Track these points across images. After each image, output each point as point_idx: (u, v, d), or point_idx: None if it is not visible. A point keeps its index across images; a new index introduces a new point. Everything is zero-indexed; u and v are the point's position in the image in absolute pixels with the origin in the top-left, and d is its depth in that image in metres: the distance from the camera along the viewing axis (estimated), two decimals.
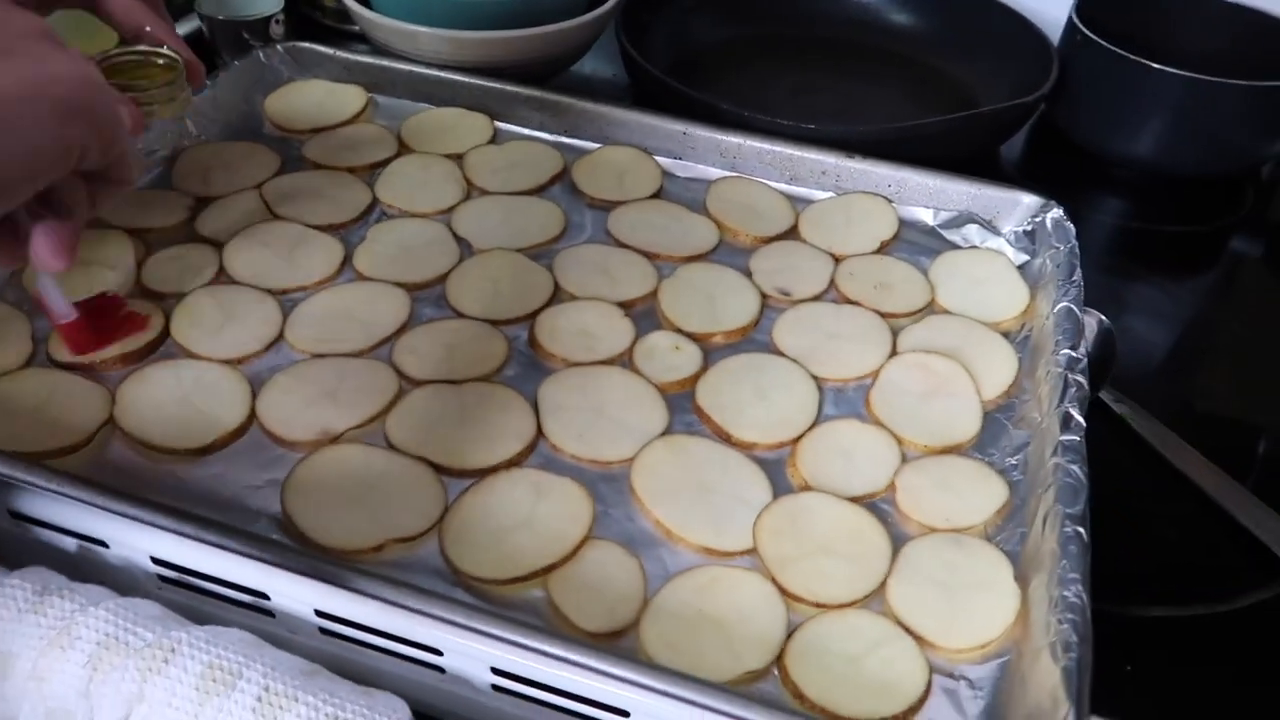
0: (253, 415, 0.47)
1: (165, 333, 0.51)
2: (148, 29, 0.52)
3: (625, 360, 0.52)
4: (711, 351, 0.53)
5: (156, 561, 0.42)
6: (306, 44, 0.71)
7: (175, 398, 0.47)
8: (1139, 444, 0.55)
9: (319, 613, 0.40)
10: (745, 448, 0.48)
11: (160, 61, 0.53)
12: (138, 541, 0.41)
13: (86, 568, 0.43)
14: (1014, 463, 0.48)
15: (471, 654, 0.38)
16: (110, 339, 0.47)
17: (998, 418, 0.51)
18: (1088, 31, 0.76)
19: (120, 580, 0.42)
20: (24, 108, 0.30)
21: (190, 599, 0.42)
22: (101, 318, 0.45)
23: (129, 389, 0.47)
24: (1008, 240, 0.62)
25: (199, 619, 0.38)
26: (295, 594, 0.40)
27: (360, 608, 0.39)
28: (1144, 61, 0.73)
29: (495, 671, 0.38)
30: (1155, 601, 0.48)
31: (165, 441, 0.45)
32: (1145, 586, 0.49)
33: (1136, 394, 0.58)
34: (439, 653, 0.39)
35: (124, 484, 0.42)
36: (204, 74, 0.56)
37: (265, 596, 0.40)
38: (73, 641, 0.37)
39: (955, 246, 0.62)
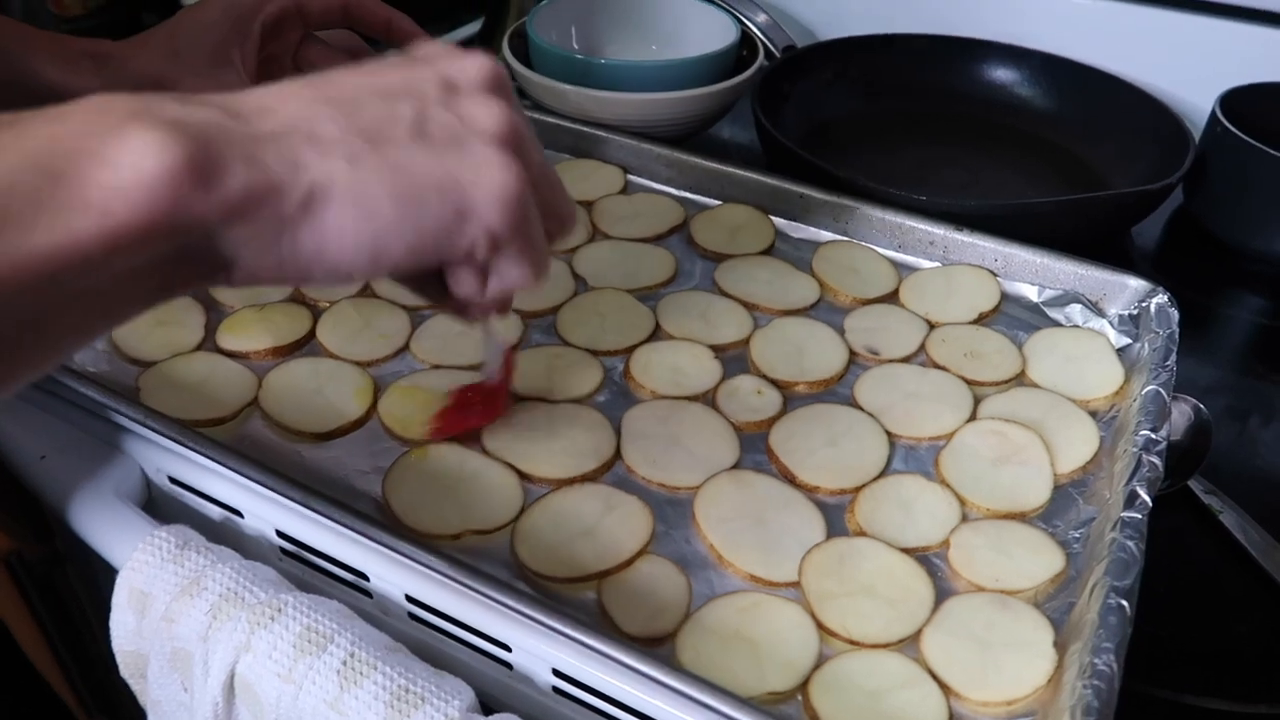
0: (373, 410, 0.53)
1: (312, 333, 0.58)
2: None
3: (709, 398, 0.55)
4: (792, 399, 0.56)
5: (280, 535, 0.48)
6: None
7: (310, 388, 0.54)
8: (1224, 537, 0.54)
9: (409, 598, 0.45)
10: (808, 490, 0.50)
11: None
12: (267, 514, 0.47)
13: (225, 535, 0.49)
14: (1077, 535, 0.48)
15: (537, 653, 0.42)
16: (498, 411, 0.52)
17: (1070, 491, 0.51)
18: (1229, 125, 0.75)
19: (249, 548, 0.48)
20: (433, 197, 0.32)
21: (303, 572, 0.48)
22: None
23: (274, 376, 0.54)
24: (1111, 323, 0.62)
25: (307, 590, 0.43)
26: (390, 577, 0.45)
27: (444, 596, 0.43)
28: None
29: (556, 674, 0.42)
30: (1214, 694, 0.47)
31: (296, 424, 0.52)
32: (1208, 677, 0.48)
33: (1237, 491, 0.56)
34: (508, 648, 0.43)
35: (257, 457, 0.48)
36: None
37: (365, 577, 0.46)
38: (200, 591, 0.43)
39: (1057, 324, 0.62)
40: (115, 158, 0.27)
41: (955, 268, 0.66)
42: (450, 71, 0.35)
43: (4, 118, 0.27)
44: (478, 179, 0.33)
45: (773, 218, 0.70)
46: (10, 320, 0.26)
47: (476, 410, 0.52)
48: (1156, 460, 0.48)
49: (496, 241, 0.34)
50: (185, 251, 0.29)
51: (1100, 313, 0.62)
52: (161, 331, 0.57)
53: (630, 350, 0.58)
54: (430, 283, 0.38)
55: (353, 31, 0.62)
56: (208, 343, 0.57)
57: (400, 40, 0.61)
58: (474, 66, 0.35)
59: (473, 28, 0.98)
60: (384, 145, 0.32)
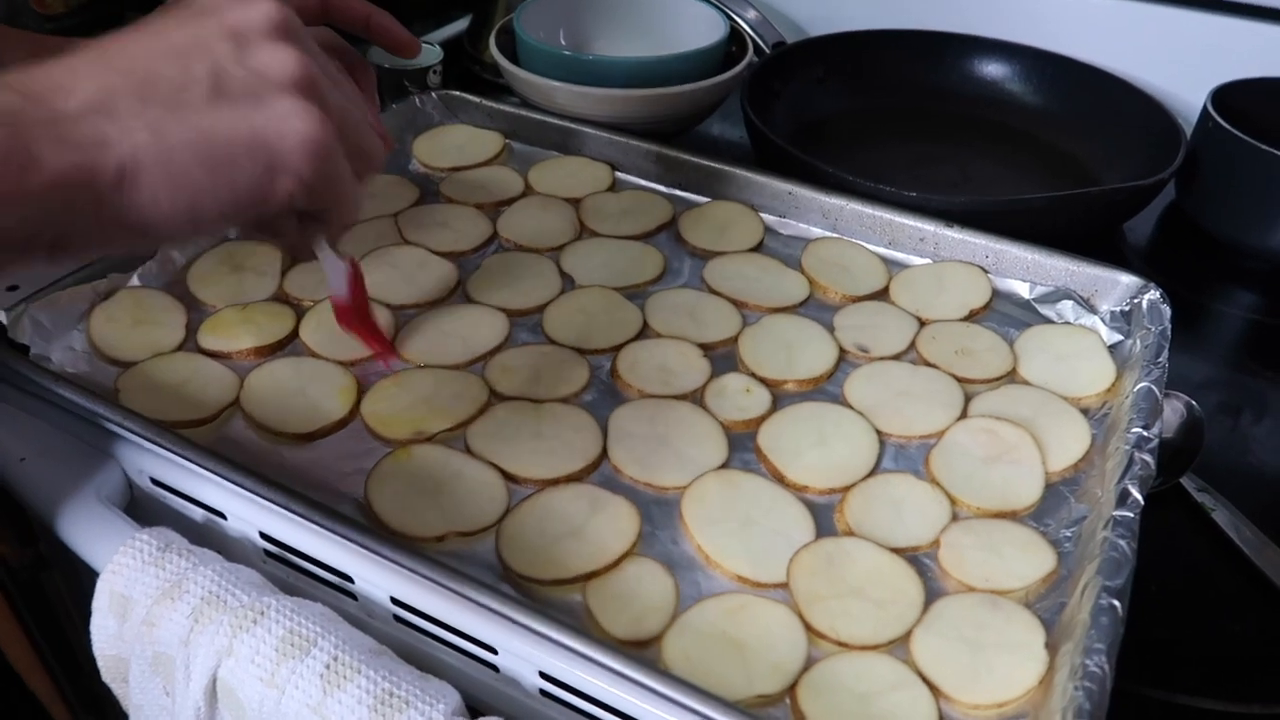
0: (355, 411, 0.52)
1: (295, 333, 0.57)
2: None
3: (697, 397, 0.55)
4: (782, 397, 0.55)
5: (264, 536, 0.47)
6: (457, 92, 0.79)
7: (293, 388, 0.53)
8: (1216, 535, 0.53)
9: (394, 600, 0.44)
10: (797, 489, 0.50)
11: None
12: (250, 516, 0.47)
13: (208, 537, 0.48)
14: (1068, 535, 0.48)
15: (523, 655, 0.41)
16: (366, 331, 0.52)
17: (1061, 490, 0.51)
18: (1221, 120, 0.74)
19: (233, 550, 0.47)
20: (240, 156, 0.33)
21: (288, 574, 0.47)
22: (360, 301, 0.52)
23: (255, 377, 0.54)
24: (1103, 319, 0.61)
25: (291, 594, 0.43)
26: (376, 580, 0.44)
27: (430, 598, 0.42)
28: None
29: (543, 676, 0.41)
30: (1208, 694, 0.46)
31: (278, 425, 0.51)
32: (1200, 677, 0.47)
33: (1230, 488, 0.56)
34: (494, 651, 0.42)
35: (239, 458, 0.47)
36: (393, 147, 0.63)
37: (350, 579, 0.45)
38: (182, 594, 0.43)
39: (1048, 321, 0.62)
40: None
41: (946, 264, 0.65)
42: (236, 21, 0.35)
43: None
44: (281, 131, 0.33)
45: (762, 215, 0.69)
46: None
47: (355, 327, 0.52)
48: (1148, 458, 0.48)
49: (310, 189, 0.35)
50: (10, 229, 0.30)
51: (1092, 309, 0.62)
52: (141, 332, 0.56)
53: (618, 349, 0.57)
54: (254, 228, 0.40)
55: (331, 29, 0.61)
56: (189, 343, 0.56)
57: (380, 37, 0.60)
58: (259, 13, 0.35)
59: (460, 24, 0.98)
60: (184, 110, 0.32)
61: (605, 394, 0.55)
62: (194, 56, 0.33)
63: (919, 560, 0.47)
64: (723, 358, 0.58)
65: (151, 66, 0.33)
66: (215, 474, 0.46)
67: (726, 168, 0.71)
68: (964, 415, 0.54)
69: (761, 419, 0.53)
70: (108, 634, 0.45)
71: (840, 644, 0.42)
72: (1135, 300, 0.60)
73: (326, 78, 0.36)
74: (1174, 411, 0.57)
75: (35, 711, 0.69)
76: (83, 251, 0.33)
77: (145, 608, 0.43)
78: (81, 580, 0.54)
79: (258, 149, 0.33)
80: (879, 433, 0.53)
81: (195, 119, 0.32)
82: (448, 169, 0.73)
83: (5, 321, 0.53)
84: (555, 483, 0.49)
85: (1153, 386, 0.52)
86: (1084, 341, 0.59)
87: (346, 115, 0.37)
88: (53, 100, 0.31)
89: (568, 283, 0.63)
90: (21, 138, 0.29)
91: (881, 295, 0.63)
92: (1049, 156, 0.87)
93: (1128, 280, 0.61)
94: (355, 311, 0.51)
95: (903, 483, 0.50)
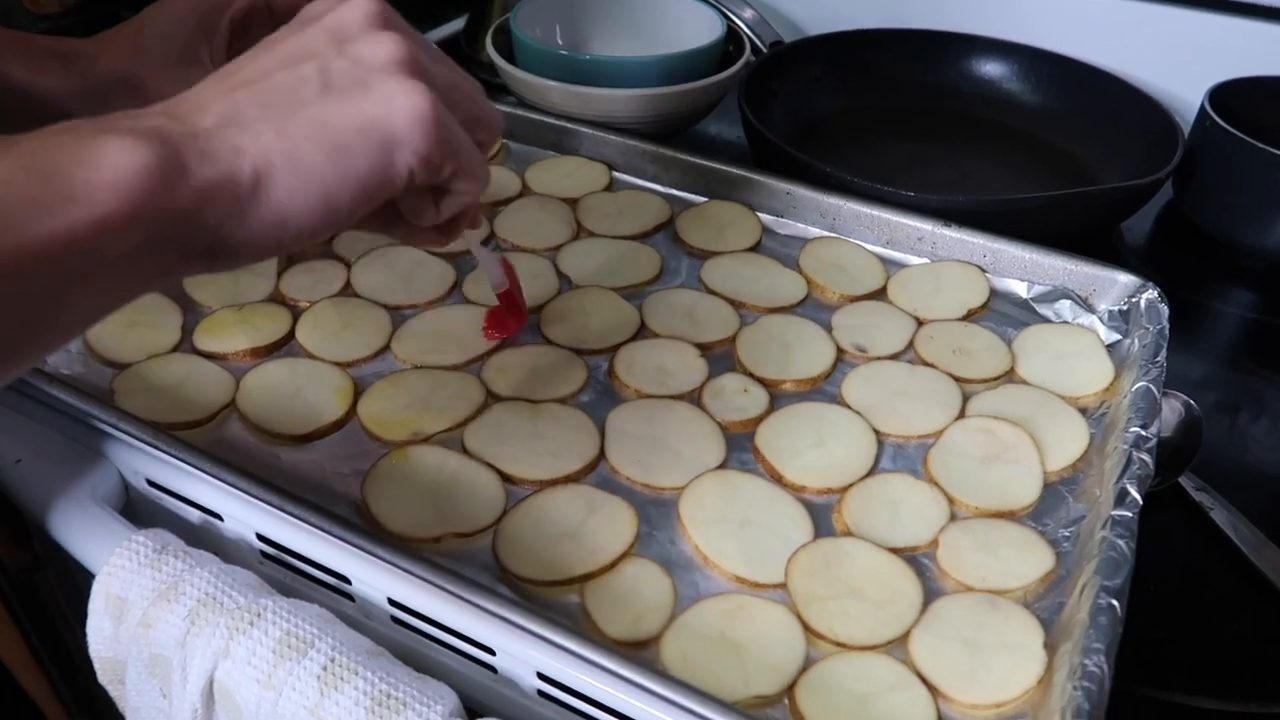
0: (352, 412, 0.52)
1: (291, 334, 0.57)
2: None
3: (695, 397, 0.55)
4: (779, 397, 0.55)
5: (261, 538, 0.47)
6: None
7: (289, 390, 0.53)
8: (1215, 534, 0.53)
9: (392, 601, 0.44)
10: (795, 489, 0.49)
11: None
12: (247, 517, 0.47)
13: (205, 538, 0.48)
14: (1067, 534, 0.48)
15: (521, 656, 0.41)
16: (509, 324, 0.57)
17: (1059, 489, 0.51)
18: (1218, 119, 0.74)
19: (230, 552, 0.47)
20: (357, 141, 0.34)
21: (285, 575, 0.47)
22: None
23: (252, 378, 0.54)
24: (1101, 319, 0.61)
25: (288, 595, 0.43)
26: (373, 581, 0.44)
27: (428, 599, 0.42)
28: (1279, 153, 0.71)
29: (541, 677, 0.41)
30: (1206, 693, 0.46)
31: (274, 427, 0.51)
32: (1198, 676, 0.47)
33: (1228, 487, 0.56)
34: (492, 652, 0.42)
35: (235, 459, 0.47)
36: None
37: (347, 580, 0.45)
38: (178, 596, 0.42)
39: (1046, 320, 0.62)
40: (96, 159, 0.30)
41: (944, 264, 0.65)
42: (335, 22, 0.37)
43: None
44: (390, 110, 0.35)
45: (759, 214, 0.69)
46: (24, 301, 0.30)
47: (510, 318, 0.57)
48: (1147, 457, 0.48)
49: (430, 162, 0.36)
50: (170, 236, 0.32)
51: (1090, 308, 0.62)
52: (136, 333, 0.56)
53: (615, 349, 0.57)
54: (389, 221, 0.41)
55: None
56: (184, 344, 0.56)
57: None
58: (355, 10, 0.37)
59: (457, 24, 0.97)
60: (300, 108, 0.34)
61: (602, 394, 0.55)
62: (302, 59, 0.35)
63: (917, 560, 0.46)
64: (720, 358, 0.58)
65: (266, 76, 0.35)
66: (211, 475, 0.46)
67: (724, 167, 0.71)
68: (962, 415, 0.54)
69: (759, 419, 0.53)
70: (104, 636, 0.45)
71: (838, 644, 0.42)
72: (1133, 299, 0.60)
73: (428, 56, 0.37)
74: (1172, 411, 0.57)
75: (32, 714, 0.69)
76: (237, 258, 0.34)
77: (141, 609, 0.43)
78: (77, 582, 0.54)
79: (371, 130, 0.34)
80: (877, 433, 0.53)
81: (311, 113, 0.34)
82: None
83: None
84: (553, 484, 0.49)
85: (1151, 386, 0.52)
86: (1082, 341, 0.59)
87: (454, 86, 0.38)
88: (191, 119, 0.34)
89: (565, 283, 0.63)
90: (174, 152, 0.32)
91: (879, 295, 0.63)
92: (1046, 156, 0.87)
93: (1125, 279, 0.61)
94: (512, 308, 0.56)
95: (901, 483, 0.50)
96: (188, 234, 0.33)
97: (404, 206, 0.40)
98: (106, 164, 0.30)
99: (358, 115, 0.34)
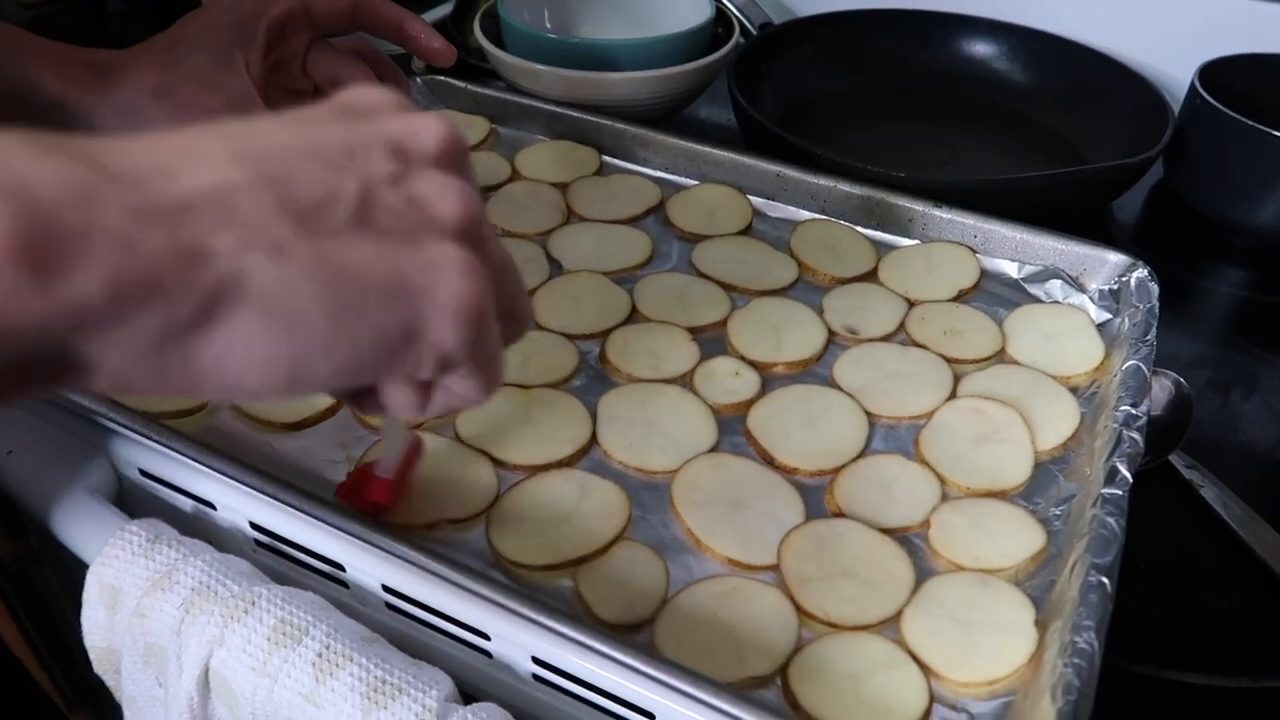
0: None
1: None
2: None
3: (686, 380, 0.55)
4: (771, 380, 0.55)
5: (254, 526, 0.47)
6: (441, 78, 0.78)
7: None
8: (1205, 512, 0.54)
9: (386, 588, 0.44)
10: (787, 471, 0.50)
11: None
12: (240, 506, 0.47)
13: (199, 527, 0.48)
14: (1058, 513, 0.48)
15: (516, 641, 0.41)
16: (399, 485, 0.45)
17: (1050, 468, 0.51)
18: (1208, 97, 0.74)
19: (223, 541, 0.47)
20: (375, 306, 0.25)
21: (279, 563, 0.47)
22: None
23: None
24: (1091, 298, 0.61)
25: (282, 583, 0.43)
26: (367, 568, 0.44)
27: (422, 585, 0.42)
28: (1269, 130, 0.71)
29: (536, 661, 0.42)
30: (1196, 668, 0.47)
31: (266, 415, 0.51)
32: (1188, 652, 0.47)
33: (1219, 465, 0.56)
34: (487, 637, 0.42)
35: (227, 448, 0.47)
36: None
37: (341, 568, 0.45)
38: (172, 585, 0.42)
39: (1037, 300, 0.62)
40: None
41: (934, 245, 0.65)
42: (403, 135, 0.28)
43: None
44: (433, 285, 0.26)
45: (750, 197, 0.69)
46: None
47: (372, 492, 0.45)
48: (1137, 436, 0.48)
49: (445, 362, 0.27)
50: (17, 360, 0.22)
51: (1080, 288, 0.62)
52: None
53: (606, 333, 0.57)
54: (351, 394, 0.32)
55: (363, 35, 0.60)
56: None
57: (413, 44, 0.59)
58: (430, 132, 0.28)
59: (445, 9, 0.97)
60: (318, 233, 0.24)
61: (594, 379, 0.55)
62: (346, 167, 0.26)
63: (909, 540, 0.47)
64: (711, 341, 0.58)
65: (291, 166, 0.25)
66: (204, 464, 0.46)
67: (714, 150, 0.70)
68: (953, 395, 0.54)
69: (751, 402, 0.53)
70: (99, 626, 0.45)
71: (831, 625, 0.43)
72: (1123, 278, 0.60)
73: (489, 225, 0.29)
74: (1162, 389, 0.57)
75: (30, 705, 0.70)
76: (121, 392, 0.26)
77: (136, 599, 0.43)
78: (72, 573, 0.54)
79: (396, 300, 0.25)
80: (868, 414, 0.53)
81: (331, 246, 0.24)
82: None
83: None
84: (545, 468, 0.49)
85: (1141, 364, 0.52)
86: (1072, 320, 0.59)
87: (505, 268, 0.30)
88: (144, 184, 0.22)
89: (555, 268, 0.63)
90: (61, 226, 0.21)
91: (870, 277, 0.63)
92: (1036, 135, 0.87)
93: (1116, 259, 0.61)
94: (395, 490, 0.45)
95: (892, 464, 0.50)
96: (61, 350, 0.22)
97: (383, 391, 0.30)
98: None
99: (389, 273, 0.25)
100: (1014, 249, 0.64)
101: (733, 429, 0.52)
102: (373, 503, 0.44)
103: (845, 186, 0.67)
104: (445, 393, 0.30)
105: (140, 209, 0.22)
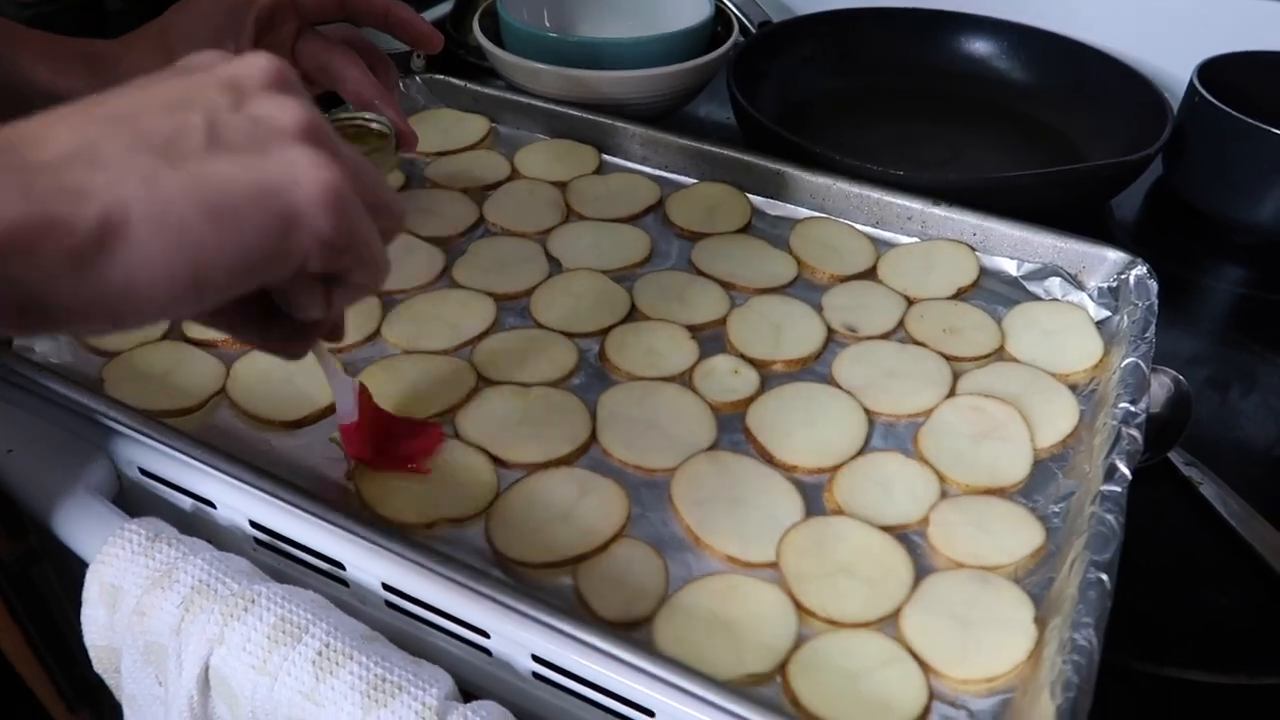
0: None
1: None
2: (376, 103, 0.58)
3: (685, 379, 0.55)
4: (770, 378, 0.55)
5: (254, 525, 0.47)
6: (441, 76, 0.79)
7: (280, 376, 0.53)
8: (1204, 509, 0.54)
9: (385, 586, 0.44)
10: (786, 469, 0.50)
11: (374, 127, 0.61)
12: (239, 505, 0.47)
13: (198, 526, 0.48)
14: (1057, 510, 0.48)
15: (516, 639, 0.41)
16: (396, 462, 0.48)
17: (1049, 466, 0.51)
18: (1207, 94, 0.74)
19: (223, 539, 0.47)
20: (247, 208, 0.29)
21: (279, 562, 0.47)
22: (388, 434, 0.48)
23: (242, 365, 0.53)
24: (1090, 295, 0.61)
25: (282, 581, 0.43)
26: (367, 566, 0.44)
27: (422, 583, 0.42)
28: (1268, 128, 0.71)
29: (536, 659, 0.42)
30: (1196, 665, 0.47)
31: (266, 413, 0.51)
32: (1187, 649, 0.47)
33: (1218, 462, 0.56)
34: (487, 635, 0.42)
35: (226, 446, 0.47)
36: (417, 143, 0.62)
37: (341, 566, 0.45)
38: (172, 584, 0.43)
39: (1036, 298, 0.62)
40: None
41: (933, 243, 0.65)
42: (231, 74, 0.32)
43: None
44: (294, 179, 0.29)
45: (749, 196, 0.69)
46: None
47: (358, 442, 0.47)
48: (1136, 433, 0.48)
49: (330, 246, 0.30)
50: None
51: (1079, 285, 0.62)
52: None
53: (605, 332, 0.57)
54: (245, 316, 0.36)
55: (350, 24, 0.60)
56: (174, 332, 0.56)
57: (400, 30, 0.59)
58: (255, 66, 0.32)
59: (444, 7, 0.97)
60: (179, 159, 0.28)
61: (594, 377, 0.55)
62: (188, 107, 0.30)
63: (908, 538, 0.47)
64: (711, 339, 0.58)
65: (140, 117, 0.29)
66: (203, 463, 0.46)
67: (713, 149, 0.71)
68: (952, 393, 0.54)
69: (750, 400, 0.53)
70: (98, 624, 0.45)
71: (830, 622, 0.43)
72: (1122, 276, 0.60)
73: (335, 134, 0.32)
74: (1161, 386, 0.57)
75: (30, 704, 0.69)
76: (58, 325, 0.28)
77: (136, 597, 0.43)
78: (72, 571, 0.54)
79: (268, 198, 0.29)
80: (867, 412, 0.53)
81: (193, 167, 0.28)
82: (433, 154, 0.73)
83: None
84: (544, 466, 0.49)
85: (1140, 362, 0.53)
86: (1071, 318, 0.59)
87: (361, 167, 0.33)
88: (22, 150, 0.27)
89: (555, 266, 0.63)
90: None
91: (869, 274, 0.63)
92: (1036, 133, 0.87)
93: (1115, 256, 0.61)
94: (366, 434, 0.47)
95: (891, 461, 0.50)
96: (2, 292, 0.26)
97: (287, 296, 0.34)
98: None
99: (252, 179, 0.29)
100: (1013, 247, 0.64)
101: (732, 427, 0.52)
102: (356, 457, 0.47)
103: (844, 184, 0.67)
104: (342, 287, 0.34)
105: (24, 165, 0.26)
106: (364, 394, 0.48)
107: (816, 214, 0.68)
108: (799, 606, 0.43)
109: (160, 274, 0.28)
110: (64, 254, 0.26)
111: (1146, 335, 0.54)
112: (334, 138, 0.32)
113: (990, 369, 0.56)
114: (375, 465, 0.48)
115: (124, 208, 0.27)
